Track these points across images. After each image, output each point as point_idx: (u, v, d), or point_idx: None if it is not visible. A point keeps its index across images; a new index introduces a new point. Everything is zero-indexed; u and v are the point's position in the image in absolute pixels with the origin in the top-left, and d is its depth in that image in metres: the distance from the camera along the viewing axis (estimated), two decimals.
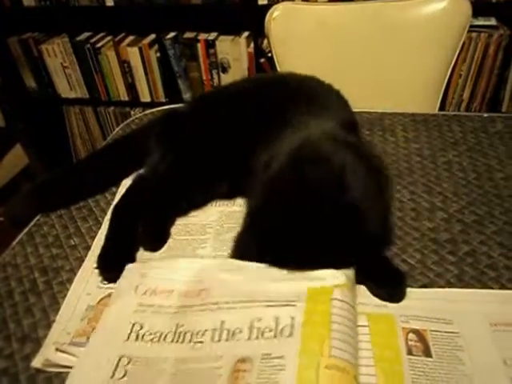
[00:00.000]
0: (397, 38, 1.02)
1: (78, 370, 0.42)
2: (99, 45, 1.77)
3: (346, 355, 0.39)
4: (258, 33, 1.56)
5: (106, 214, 0.62)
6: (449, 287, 0.49)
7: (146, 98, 1.85)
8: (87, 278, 0.53)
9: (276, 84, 0.70)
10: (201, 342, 0.43)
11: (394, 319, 0.45)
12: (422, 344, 0.43)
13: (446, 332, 0.43)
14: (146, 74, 1.78)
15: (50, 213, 0.64)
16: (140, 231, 0.56)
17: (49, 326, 0.47)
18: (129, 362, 0.42)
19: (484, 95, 1.54)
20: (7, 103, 1.94)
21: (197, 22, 1.71)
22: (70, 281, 0.53)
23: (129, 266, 0.52)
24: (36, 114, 2.00)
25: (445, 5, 0.98)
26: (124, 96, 1.86)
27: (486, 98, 1.54)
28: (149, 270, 0.51)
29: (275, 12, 1.03)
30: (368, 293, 0.47)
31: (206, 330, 0.44)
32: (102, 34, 1.81)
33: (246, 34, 1.68)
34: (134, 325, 0.45)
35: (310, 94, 0.65)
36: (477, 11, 1.07)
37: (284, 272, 0.47)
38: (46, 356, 0.44)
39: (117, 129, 0.85)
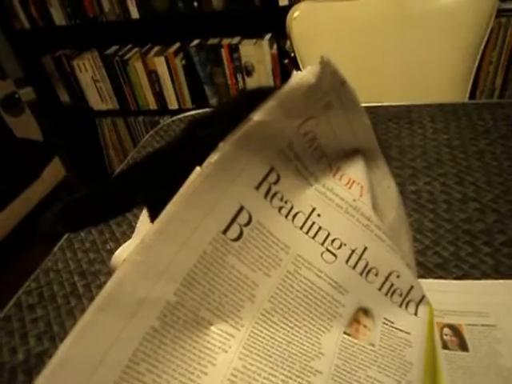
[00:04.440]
0: (421, 28, 1.00)
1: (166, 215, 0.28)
2: (127, 57, 1.83)
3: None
4: (281, 34, 1.57)
5: (138, 218, 0.64)
6: (484, 279, 0.47)
7: (173, 105, 1.89)
8: None
9: None
10: (333, 254, 0.34)
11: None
12: (457, 338, 0.42)
13: (482, 325, 0.42)
14: (172, 82, 1.83)
15: (79, 231, 0.64)
16: None
17: None
18: (248, 223, 0.31)
19: None
20: (44, 118, 2.03)
21: (220, 28, 1.74)
22: None
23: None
24: (71, 127, 2.09)
25: None
26: (153, 105, 1.91)
27: None
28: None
29: (296, 12, 1.03)
30: None
31: (344, 244, 0.34)
32: (129, 47, 1.87)
33: (268, 36, 1.69)
34: (270, 172, 0.32)
35: None
36: None
37: None
38: None
39: (145, 137, 0.88)
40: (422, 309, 0.38)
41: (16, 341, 0.50)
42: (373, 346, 0.34)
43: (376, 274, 0.36)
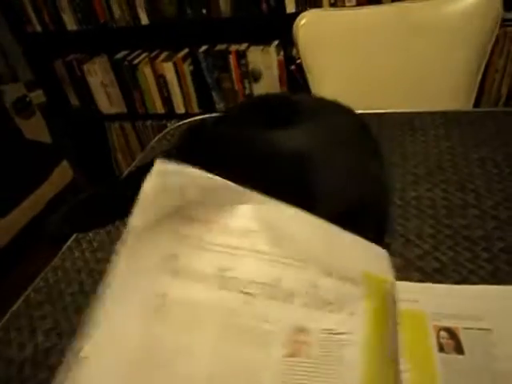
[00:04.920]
0: (426, 37, 1.02)
1: (105, 311, 0.35)
2: (136, 62, 1.85)
3: (395, 350, 0.38)
4: (288, 41, 1.58)
5: None
6: (482, 284, 0.48)
7: (181, 109, 1.92)
8: None
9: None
10: (252, 296, 0.37)
11: (426, 316, 0.45)
12: (453, 341, 0.42)
13: (478, 329, 0.43)
14: (180, 86, 1.85)
15: (86, 233, 0.66)
16: None
17: None
18: (166, 302, 0.36)
19: None
20: (53, 121, 2.07)
21: (227, 34, 1.76)
22: None
23: (160, 168, 0.38)
24: (80, 130, 2.12)
25: (473, 1, 0.96)
26: (160, 109, 1.94)
27: None
28: (190, 187, 0.39)
29: (303, 19, 1.05)
30: (397, 287, 0.48)
31: (257, 283, 0.38)
32: (138, 52, 1.90)
33: (275, 42, 1.71)
34: (171, 256, 0.37)
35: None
36: (509, 5, 1.04)
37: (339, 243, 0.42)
38: None
39: (152, 141, 0.90)
40: (359, 304, 0.39)
41: (24, 336, 0.52)
42: (312, 358, 0.36)
43: (298, 295, 0.38)
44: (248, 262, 0.39)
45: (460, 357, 0.41)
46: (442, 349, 0.42)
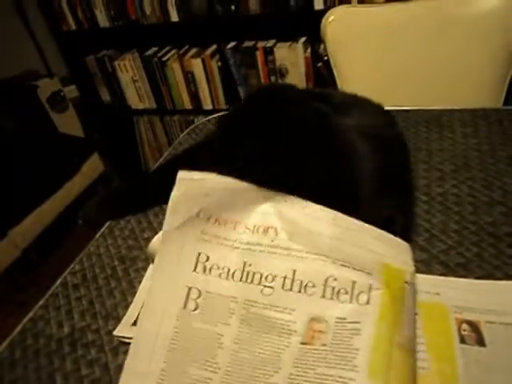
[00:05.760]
0: (455, 33, 1.00)
1: (149, 302, 0.42)
2: (165, 58, 1.90)
3: (409, 339, 0.39)
4: (315, 38, 1.59)
5: None
6: (507, 280, 0.48)
7: (208, 105, 1.95)
8: None
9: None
10: (271, 288, 0.41)
11: (447, 309, 0.46)
12: (475, 334, 0.43)
13: (501, 323, 0.44)
14: (208, 83, 1.88)
15: (118, 220, 0.69)
16: None
17: (127, 307, 0.54)
18: (199, 296, 0.42)
19: None
20: (86, 115, 2.14)
21: (255, 31, 1.78)
22: (145, 268, 0.59)
23: (184, 176, 0.45)
24: (110, 124, 2.18)
25: None
26: (188, 105, 1.98)
27: None
28: (213, 191, 0.45)
29: (331, 16, 1.05)
30: (419, 280, 0.48)
31: (275, 276, 0.42)
32: (167, 48, 1.95)
33: (302, 39, 1.71)
34: (199, 255, 0.43)
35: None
36: None
37: (358, 238, 0.44)
38: (124, 328, 0.50)
39: (180, 136, 0.93)
40: (374, 294, 0.41)
41: (62, 315, 0.55)
42: (325, 345, 0.38)
43: (313, 286, 0.41)
44: (268, 257, 0.43)
45: (482, 349, 0.42)
46: (463, 341, 0.43)
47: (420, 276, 0.50)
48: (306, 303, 0.41)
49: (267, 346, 0.39)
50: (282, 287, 0.41)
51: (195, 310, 0.41)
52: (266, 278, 0.42)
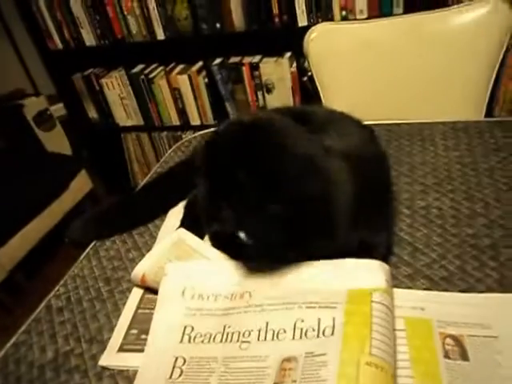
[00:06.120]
0: (437, 49, 1.03)
1: (142, 373, 0.46)
2: (152, 75, 1.91)
3: (384, 355, 0.40)
4: (300, 53, 1.60)
5: (159, 229, 0.68)
6: (489, 292, 0.49)
7: (195, 121, 1.96)
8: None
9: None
10: (248, 342, 0.46)
11: (431, 324, 0.46)
12: (459, 348, 0.43)
13: (484, 336, 0.44)
14: (195, 99, 1.89)
15: (106, 239, 0.69)
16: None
17: (112, 330, 0.53)
18: (184, 363, 0.46)
19: None
20: (73, 133, 2.13)
21: (241, 47, 1.80)
22: (130, 289, 0.59)
23: (171, 266, 0.56)
24: (98, 142, 2.18)
25: (483, 11, 0.97)
26: (176, 121, 1.98)
27: None
28: (193, 271, 0.55)
29: (313, 33, 1.07)
30: (402, 295, 0.49)
31: (251, 331, 0.47)
32: (154, 65, 1.96)
33: (288, 54, 1.74)
34: (185, 327, 0.50)
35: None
36: None
37: (323, 276, 0.50)
38: (109, 356, 0.50)
39: (168, 152, 0.93)
40: (337, 325, 0.44)
41: (45, 340, 0.54)
42: (295, 381, 0.41)
43: (284, 331, 0.46)
44: (244, 317, 0.49)
45: (465, 363, 0.42)
46: (447, 355, 0.43)
47: (404, 291, 0.50)
48: (278, 348, 0.45)
49: None
50: (258, 339, 0.46)
51: (180, 376, 0.45)
52: (244, 334, 0.47)
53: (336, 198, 0.49)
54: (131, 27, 1.80)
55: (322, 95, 1.11)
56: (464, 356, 0.42)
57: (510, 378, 0.40)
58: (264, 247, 0.51)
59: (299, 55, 1.70)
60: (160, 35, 1.78)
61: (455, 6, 1.04)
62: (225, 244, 0.58)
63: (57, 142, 2.06)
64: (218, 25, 1.70)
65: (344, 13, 1.57)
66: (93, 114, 2.10)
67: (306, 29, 1.14)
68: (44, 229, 1.74)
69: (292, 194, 0.47)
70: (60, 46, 1.93)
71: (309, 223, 0.48)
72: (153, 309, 0.53)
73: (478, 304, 0.47)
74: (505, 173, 0.67)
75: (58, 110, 2.13)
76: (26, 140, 1.94)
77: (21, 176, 1.77)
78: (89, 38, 1.88)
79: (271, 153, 0.47)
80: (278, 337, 0.46)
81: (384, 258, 0.53)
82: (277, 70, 1.74)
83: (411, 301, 0.48)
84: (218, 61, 1.82)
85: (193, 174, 0.71)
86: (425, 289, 0.51)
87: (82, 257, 0.67)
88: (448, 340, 0.44)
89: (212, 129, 0.96)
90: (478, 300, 0.48)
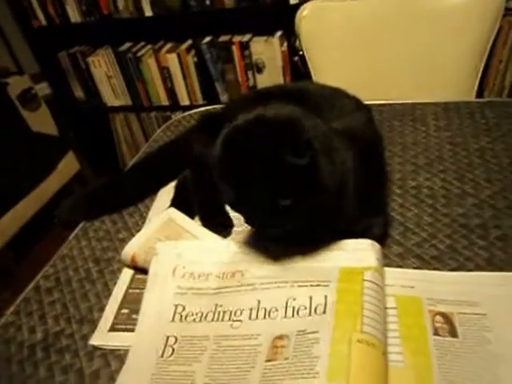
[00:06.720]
0: (428, 27, 1.02)
1: (134, 352, 0.46)
2: (140, 53, 1.86)
3: (375, 332, 0.41)
4: (291, 32, 1.58)
5: (149, 209, 0.67)
6: (478, 271, 0.50)
7: (185, 101, 1.93)
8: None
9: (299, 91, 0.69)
10: (239, 321, 0.46)
11: (421, 302, 0.46)
12: (448, 325, 0.44)
13: (473, 314, 0.44)
14: (184, 78, 1.86)
15: (93, 220, 0.68)
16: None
17: (102, 309, 0.53)
18: (175, 342, 0.46)
19: None
20: (59, 113, 2.08)
21: (231, 25, 1.76)
22: (120, 270, 0.58)
23: (161, 245, 0.55)
24: (85, 122, 2.14)
25: None
26: (164, 101, 1.95)
27: None
28: (183, 250, 0.55)
29: (304, 11, 1.05)
30: (393, 273, 0.49)
31: (243, 310, 0.47)
32: (142, 44, 1.91)
33: (279, 33, 1.71)
34: (176, 306, 0.50)
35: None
36: None
37: (315, 255, 0.50)
38: (100, 336, 0.49)
39: (156, 132, 0.91)
40: (329, 303, 0.45)
41: (35, 321, 0.54)
42: (287, 358, 0.41)
43: (276, 310, 0.46)
44: (235, 296, 0.49)
45: (454, 340, 0.42)
46: (436, 332, 0.43)
47: (395, 270, 0.51)
48: (270, 326, 0.45)
49: (235, 371, 0.43)
50: (249, 318, 0.47)
51: (171, 355, 0.45)
52: (235, 313, 0.47)
53: (346, 187, 0.49)
54: (118, 3, 1.74)
55: (313, 74, 1.10)
56: (453, 333, 0.43)
57: (498, 354, 0.41)
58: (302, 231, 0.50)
59: (290, 34, 1.67)
60: (148, 11, 1.73)
61: None
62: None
63: (42, 122, 2.01)
64: (207, 1, 1.66)
65: None
66: (79, 93, 2.05)
67: (297, 6, 1.12)
68: (31, 211, 1.71)
69: (327, 183, 0.47)
70: (44, 22, 1.87)
71: (321, 211, 0.48)
72: (144, 289, 0.52)
73: (467, 282, 0.48)
74: (495, 153, 0.67)
75: (43, 89, 2.07)
76: (11, 120, 1.89)
77: (7, 157, 1.73)
78: (74, 15, 1.82)
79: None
80: (269, 315, 0.46)
81: (381, 238, 0.53)
82: (267, 49, 1.71)
83: (402, 279, 0.49)
84: (207, 39, 1.78)
85: (183, 153, 0.70)
86: (415, 267, 0.51)
87: (70, 237, 0.66)
88: (438, 317, 0.45)
89: (202, 108, 0.96)
90: (468, 278, 0.48)
